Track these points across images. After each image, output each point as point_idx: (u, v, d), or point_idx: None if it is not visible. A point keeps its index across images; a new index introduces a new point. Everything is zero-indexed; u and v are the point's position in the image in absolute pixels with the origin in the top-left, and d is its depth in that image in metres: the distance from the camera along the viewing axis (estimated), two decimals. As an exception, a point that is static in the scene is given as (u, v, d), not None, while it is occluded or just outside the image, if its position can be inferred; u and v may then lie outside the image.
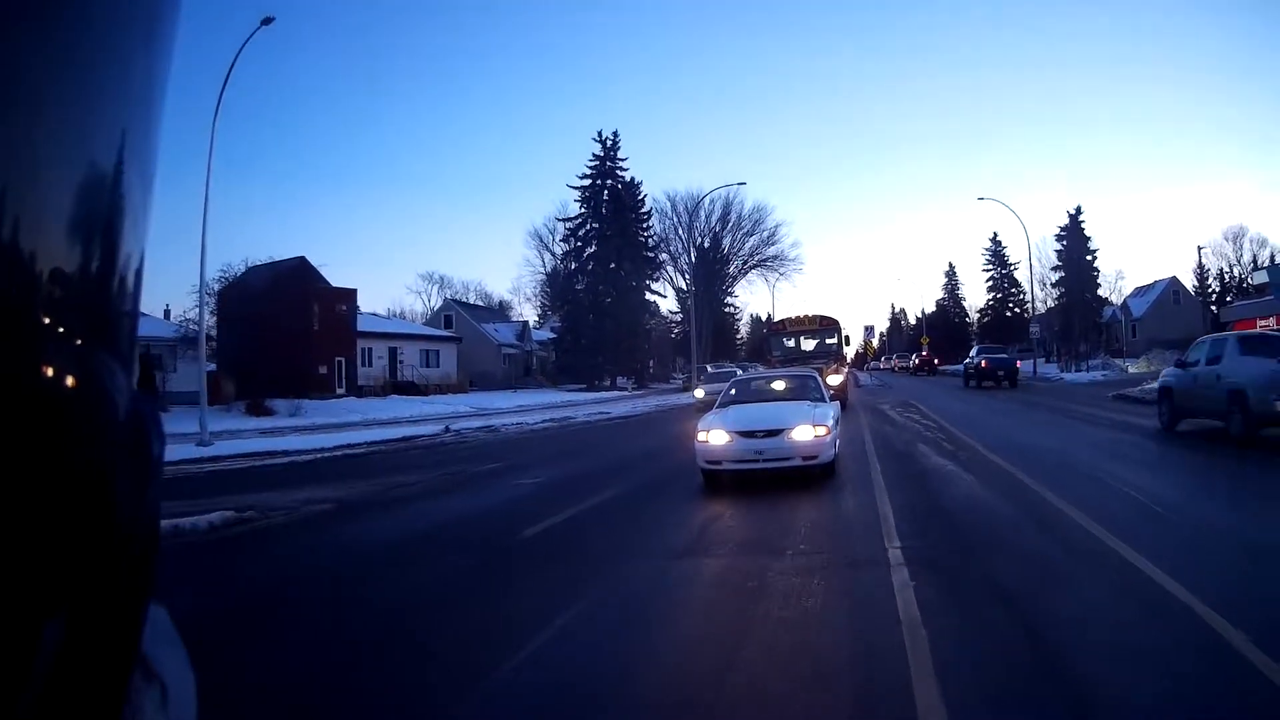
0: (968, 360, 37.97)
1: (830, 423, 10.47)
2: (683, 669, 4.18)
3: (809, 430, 10.07)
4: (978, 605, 4.83)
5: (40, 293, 0.46)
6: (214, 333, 38.93)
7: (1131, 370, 38.37)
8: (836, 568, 6.01)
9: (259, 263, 43.68)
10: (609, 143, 57.63)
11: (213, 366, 36.15)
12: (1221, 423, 12.37)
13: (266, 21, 23.86)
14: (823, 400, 11.69)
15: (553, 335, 59.35)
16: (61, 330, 0.48)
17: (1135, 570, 5.33)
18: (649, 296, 59.39)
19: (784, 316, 34.44)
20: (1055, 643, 4.10)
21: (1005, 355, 36.06)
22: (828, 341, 28.50)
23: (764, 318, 67.23)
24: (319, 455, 18.59)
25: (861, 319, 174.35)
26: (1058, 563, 5.77)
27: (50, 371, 0.47)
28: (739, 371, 24.46)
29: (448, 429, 23.10)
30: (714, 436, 10.26)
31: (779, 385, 12.88)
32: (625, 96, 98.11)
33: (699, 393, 26.15)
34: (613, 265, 54.92)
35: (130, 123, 0.54)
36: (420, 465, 15.56)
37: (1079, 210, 65.17)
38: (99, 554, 0.51)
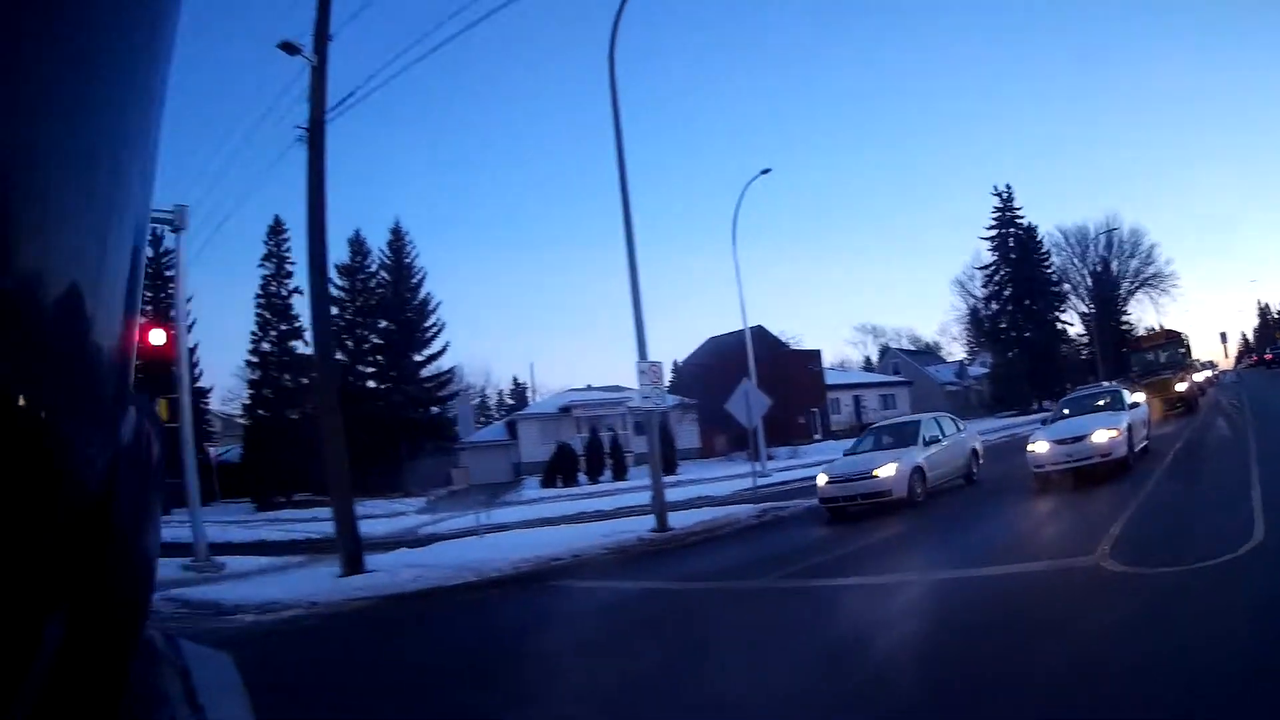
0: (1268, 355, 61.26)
1: (1122, 426, 12.49)
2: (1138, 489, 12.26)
3: (1103, 434, 12.25)
4: (1182, 466, 12.81)
5: (29, 294, 0.44)
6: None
7: None
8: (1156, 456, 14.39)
9: (715, 334, 50.34)
10: (1004, 195, 65.85)
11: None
12: None
13: (765, 172, 31.78)
14: (1122, 409, 13.60)
15: (984, 370, 67.90)
16: (52, 332, 0.46)
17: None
18: (1058, 326, 65.39)
19: (1138, 334, 42.06)
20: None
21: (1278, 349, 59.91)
22: (1178, 351, 32.55)
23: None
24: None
25: (1227, 323, 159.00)
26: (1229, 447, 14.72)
27: (41, 376, 0.45)
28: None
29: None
30: (1038, 446, 12.76)
31: (1090, 400, 14.96)
32: (1012, 144, 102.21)
33: (821, 480, 14.90)
34: (1026, 302, 62.75)
35: (128, 116, 0.53)
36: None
37: None
38: (91, 573, 0.49)
